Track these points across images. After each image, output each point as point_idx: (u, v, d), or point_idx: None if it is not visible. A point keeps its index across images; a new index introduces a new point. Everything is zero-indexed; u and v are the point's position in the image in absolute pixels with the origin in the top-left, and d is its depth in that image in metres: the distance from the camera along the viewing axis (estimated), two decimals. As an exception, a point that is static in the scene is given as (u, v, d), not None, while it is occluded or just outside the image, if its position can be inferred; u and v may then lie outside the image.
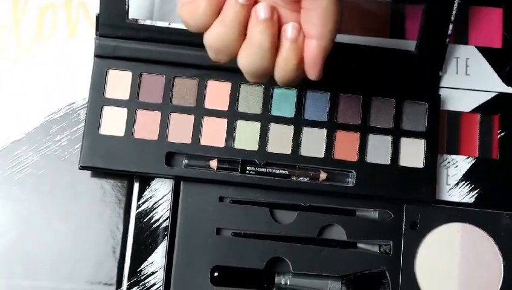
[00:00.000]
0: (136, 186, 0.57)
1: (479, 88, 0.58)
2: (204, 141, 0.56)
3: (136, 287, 0.55)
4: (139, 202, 0.56)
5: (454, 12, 0.54)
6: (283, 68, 0.44)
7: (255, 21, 0.43)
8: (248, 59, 0.44)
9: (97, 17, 0.55)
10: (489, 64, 0.59)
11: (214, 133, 0.56)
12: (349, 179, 0.55)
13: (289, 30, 0.43)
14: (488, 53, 0.59)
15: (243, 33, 0.44)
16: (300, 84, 0.49)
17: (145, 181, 0.56)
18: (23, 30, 0.59)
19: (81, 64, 0.58)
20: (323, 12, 0.42)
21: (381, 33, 0.59)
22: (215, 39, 0.44)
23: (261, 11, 0.43)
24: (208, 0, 0.43)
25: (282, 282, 0.54)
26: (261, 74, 0.45)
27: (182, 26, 0.56)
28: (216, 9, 0.44)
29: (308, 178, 0.55)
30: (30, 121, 0.57)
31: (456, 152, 0.57)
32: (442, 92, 0.58)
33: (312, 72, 0.44)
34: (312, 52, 0.44)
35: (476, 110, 0.58)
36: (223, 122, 0.56)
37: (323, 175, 0.55)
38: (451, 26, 0.54)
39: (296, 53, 0.44)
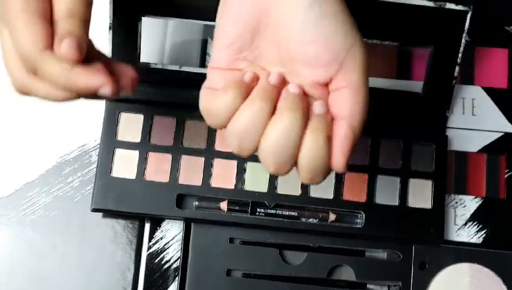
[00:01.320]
0: (147, 227, 0.57)
1: (485, 128, 0.59)
2: (215, 182, 0.56)
3: (147, 328, 0.56)
4: (150, 243, 0.57)
5: (460, 54, 0.55)
6: (310, 150, 0.41)
7: (285, 96, 0.42)
8: (276, 139, 0.41)
9: (109, 61, 0.56)
10: (496, 104, 0.59)
11: (224, 174, 0.57)
12: (358, 220, 0.56)
13: (317, 107, 0.42)
14: (494, 93, 0.60)
15: (270, 117, 0.42)
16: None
17: (156, 222, 0.57)
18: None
19: (92, 106, 0.59)
20: (354, 92, 0.42)
21: (388, 74, 0.60)
22: (243, 122, 0.42)
23: (292, 88, 0.42)
24: (237, 86, 0.42)
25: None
26: (286, 155, 0.41)
27: (192, 69, 0.57)
28: (244, 97, 0.42)
29: (317, 219, 0.56)
30: (43, 163, 0.58)
31: (464, 192, 0.58)
32: (449, 132, 0.58)
33: (338, 155, 0.42)
34: (341, 132, 0.42)
35: (483, 150, 0.58)
36: (233, 164, 0.57)
37: (332, 216, 0.56)
38: (457, 68, 0.55)
39: (324, 133, 0.41)
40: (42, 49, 0.42)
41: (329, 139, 0.42)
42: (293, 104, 0.41)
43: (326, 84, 0.43)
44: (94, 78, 0.42)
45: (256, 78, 0.43)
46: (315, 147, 0.41)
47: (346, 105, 0.42)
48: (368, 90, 0.42)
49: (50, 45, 0.42)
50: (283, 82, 0.43)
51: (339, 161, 0.42)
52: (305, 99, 0.42)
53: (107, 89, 0.42)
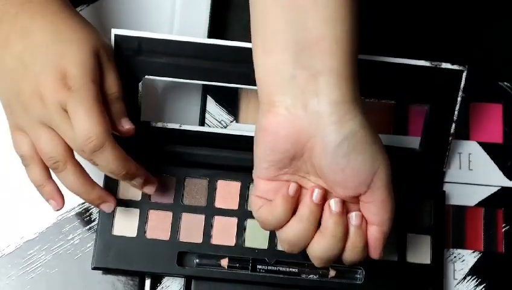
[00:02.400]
0: (148, 283, 0.57)
1: (482, 183, 0.60)
2: (215, 240, 0.57)
3: None
4: (151, 300, 0.57)
5: (456, 112, 0.56)
6: (351, 251, 0.48)
7: (329, 214, 0.48)
8: (323, 248, 0.48)
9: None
10: (491, 159, 0.60)
11: (224, 232, 0.57)
12: (358, 276, 0.56)
13: (354, 218, 0.48)
14: (489, 148, 0.61)
15: (317, 227, 0.48)
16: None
17: (157, 279, 0.57)
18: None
19: (92, 165, 0.59)
20: (381, 204, 0.47)
21: (384, 130, 0.61)
22: (293, 235, 0.48)
23: (334, 206, 0.47)
24: (284, 200, 0.48)
25: None
26: (332, 259, 0.49)
27: (192, 127, 0.58)
28: (292, 209, 0.48)
29: (317, 275, 0.56)
30: (43, 220, 0.58)
31: (462, 246, 0.58)
32: (446, 187, 0.59)
33: (374, 253, 0.49)
34: (374, 236, 0.48)
35: (480, 204, 0.59)
36: (233, 222, 0.57)
37: (332, 272, 0.56)
38: (454, 125, 0.56)
39: (362, 237, 0.48)
40: (107, 136, 0.49)
41: (365, 243, 0.48)
42: (335, 225, 0.48)
43: (357, 197, 0.48)
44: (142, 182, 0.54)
45: (300, 189, 0.48)
46: (354, 255, 0.48)
47: (376, 215, 0.48)
48: (393, 200, 0.47)
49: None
50: (325, 196, 0.48)
51: (375, 257, 0.49)
52: (344, 210, 0.48)
53: (150, 189, 0.55)
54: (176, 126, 0.57)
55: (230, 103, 0.61)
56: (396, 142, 0.59)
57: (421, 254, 0.57)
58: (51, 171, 0.53)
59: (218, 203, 0.58)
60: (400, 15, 0.63)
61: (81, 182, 0.52)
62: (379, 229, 0.48)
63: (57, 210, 0.54)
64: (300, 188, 0.48)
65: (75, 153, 0.52)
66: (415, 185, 0.58)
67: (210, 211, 0.57)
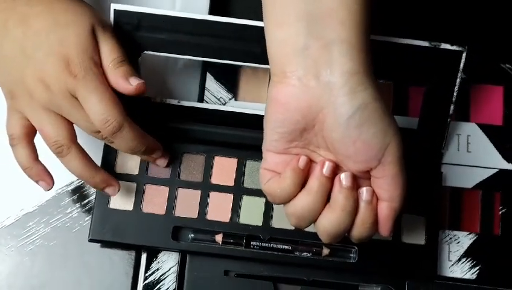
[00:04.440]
0: (144, 257, 0.58)
1: (480, 165, 0.59)
2: (210, 215, 0.57)
3: None
4: (146, 274, 0.57)
5: (455, 93, 0.55)
6: (360, 227, 0.48)
7: (339, 188, 0.47)
8: (332, 223, 0.47)
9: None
10: (491, 141, 0.60)
11: (219, 208, 0.57)
12: (352, 255, 0.56)
13: (364, 194, 0.48)
14: (489, 130, 0.60)
15: (326, 201, 0.48)
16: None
17: (153, 253, 0.58)
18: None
19: (90, 139, 0.60)
20: (392, 180, 0.46)
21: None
22: (301, 209, 0.48)
23: (344, 180, 0.47)
24: (294, 173, 0.47)
25: None
26: (340, 235, 0.48)
27: (190, 104, 0.58)
28: (301, 182, 0.48)
29: (311, 253, 0.56)
30: (42, 194, 0.59)
31: (458, 228, 0.58)
32: (444, 168, 0.59)
33: (383, 230, 0.48)
34: (384, 212, 0.48)
35: (477, 186, 0.59)
36: (229, 198, 0.57)
37: (326, 251, 0.56)
38: (452, 107, 0.56)
39: (372, 213, 0.48)
40: (125, 116, 0.51)
41: (375, 220, 0.48)
42: (345, 199, 0.47)
43: (368, 172, 0.47)
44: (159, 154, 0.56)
45: (309, 162, 0.48)
46: (363, 231, 0.48)
47: (386, 191, 0.47)
48: (405, 176, 0.47)
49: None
50: (335, 170, 0.48)
51: (384, 233, 0.49)
52: (354, 185, 0.47)
53: (163, 162, 0.57)
54: (174, 102, 0.57)
55: (230, 80, 0.61)
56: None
57: (415, 234, 0.57)
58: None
59: (215, 179, 0.58)
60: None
61: (85, 166, 0.53)
62: (390, 206, 0.47)
63: (48, 190, 0.54)
64: (310, 161, 0.48)
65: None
66: (412, 166, 0.57)
67: (206, 187, 0.58)
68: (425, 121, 0.57)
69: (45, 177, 0.54)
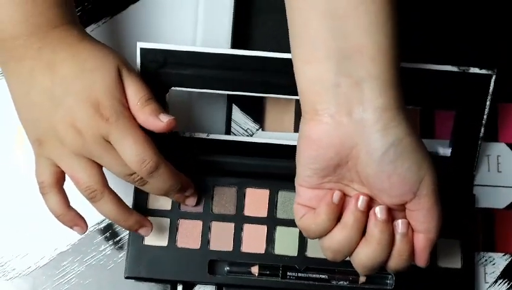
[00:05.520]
0: (179, 291, 0.58)
1: (511, 185, 0.59)
2: (245, 247, 0.57)
3: None
4: (183, 308, 0.58)
5: (485, 116, 0.55)
6: (397, 258, 0.48)
7: (374, 221, 0.47)
8: (368, 256, 0.48)
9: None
10: (520, 160, 0.60)
11: (254, 239, 0.57)
12: (389, 281, 0.56)
13: (400, 226, 0.48)
14: (518, 149, 0.60)
15: (362, 234, 0.48)
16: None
17: (188, 287, 0.58)
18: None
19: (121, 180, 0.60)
20: (428, 212, 0.47)
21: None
22: (337, 243, 0.48)
23: (379, 213, 0.47)
24: (328, 208, 0.47)
25: None
26: (377, 267, 0.48)
27: (220, 137, 0.58)
28: (336, 217, 0.48)
29: (347, 282, 0.56)
30: (75, 232, 0.59)
31: (493, 249, 0.58)
32: (475, 190, 0.59)
33: (420, 261, 0.49)
34: (420, 244, 0.48)
35: (510, 206, 0.59)
36: (263, 229, 0.57)
37: (362, 278, 0.56)
38: (483, 129, 0.56)
39: (408, 245, 0.48)
40: (161, 156, 0.51)
41: (412, 251, 0.48)
42: (380, 232, 0.47)
43: (403, 204, 0.47)
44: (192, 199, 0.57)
45: (343, 197, 0.48)
46: (400, 262, 0.48)
47: (422, 223, 0.48)
48: (440, 207, 0.47)
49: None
50: (370, 203, 0.48)
51: (421, 264, 0.49)
52: (389, 218, 0.48)
53: (192, 201, 0.57)
54: (203, 136, 0.58)
55: (255, 110, 0.62)
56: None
57: (451, 258, 0.57)
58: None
59: (247, 211, 0.58)
60: (426, 19, 0.63)
61: (119, 210, 0.53)
62: (426, 237, 0.48)
63: (82, 233, 0.54)
64: (344, 195, 0.48)
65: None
66: (444, 190, 0.57)
67: (239, 219, 0.58)
68: (456, 145, 0.57)
69: (79, 222, 0.54)
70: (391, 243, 0.47)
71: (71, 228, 0.54)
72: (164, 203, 0.58)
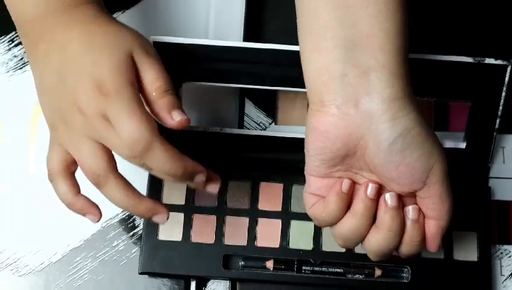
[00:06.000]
0: (193, 286, 0.57)
1: (527, 176, 0.59)
2: (260, 242, 0.57)
3: None
4: (197, 304, 0.57)
5: (501, 107, 0.55)
6: (408, 245, 0.48)
7: (384, 208, 0.47)
8: (379, 243, 0.47)
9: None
10: (536, 152, 0.60)
11: (268, 234, 0.57)
12: (405, 275, 0.56)
13: (410, 212, 0.48)
14: (533, 141, 0.60)
15: (372, 221, 0.48)
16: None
17: (202, 282, 0.57)
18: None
19: (135, 170, 0.59)
20: (438, 199, 0.46)
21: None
22: (348, 231, 0.48)
23: (390, 200, 0.47)
24: (338, 197, 0.47)
25: None
26: (388, 253, 0.48)
27: (233, 130, 0.58)
28: (346, 205, 0.47)
29: (363, 275, 0.56)
30: (88, 228, 0.59)
31: (508, 242, 0.58)
32: (490, 182, 0.59)
33: (432, 247, 0.48)
34: (431, 230, 0.48)
35: (525, 198, 0.59)
36: (278, 223, 0.57)
37: (378, 271, 0.56)
38: (498, 121, 0.56)
39: (419, 231, 0.48)
40: (155, 135, 0.47)
41: (423, 237, 0.48)
42: (391, 219, 0.47)
43: (413, 192, 0.47)
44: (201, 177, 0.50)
45: (353, 185, 0.48)
46: (411, 248, 0.48)
47: (433, 210, 0.47)
48: (451, 194, 0.47)
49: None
50: (379, 191, 0.47)
51: (432, 250, 0.49)
52: (400, 204, 0.47)
53: (213, 187, 0.52)
54: (217, 130, 0.57)
55: (268, 105, 0.61)
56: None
57: (468, 251, 0.56)
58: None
59: (262, 206, 0.58)
60: (442, 10, 0.62)
61: (127, 196, 0.49)
62: (437, 224, 0.47)
63: (97, 222, 0.51)
64: (353, 184, 0.48)
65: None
66: (460, 182, 0.57)
67: (254, 214, 0.57)
68: (471, 137, 0.56)
69: (91, 210, 0.50)
70: (402, 229, 0.47)
71: (84, 216, 0.51)
72: (178, 197, 0.58)
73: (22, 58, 0.62)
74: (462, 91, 0.55)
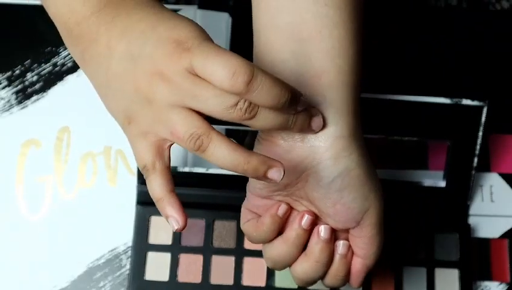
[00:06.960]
0: (179, 327, 0.58)
1: (505, 214, 0.61)
2: (246, 281, 0.57)
3: None
4: None
5: (478, 146, 0.57)
6: (333, 277, 0.49)
7: (316, 239, 0.48)
8: (305, 271, 0.48)
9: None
10: (513, 190, 0.61)
11: (255, 273, 0.58)
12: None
13: (340, 247, 0.49)
14: (510, 179, 0.61)
15: (302, 249, 0.49)
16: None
17: (189, 322, 0.58)
18: (66, 179, 0.61)
19: (120, 210, 0.60)
20: (369, 240, 0.48)
21: (403, 165, 0.62)
22: (277, 255, 0.48)
23: (323, 232, 0.48)
24: (272, 220, 0.48)
25: None
26: (313, 282, 0.49)
27: (218, 171, 0.59)
28: (278, 228, 0.48)
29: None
30: (74, 269, 0.59)
31: (489, 278, 0.59)
32: (469, 220, 0.60)
33: (354, 283, 0.50)
34: (357, 267, 0.49)
35: (504, 235, 0.60)
36: (263, 262, 0.56)
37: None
38: (476, 160, 0.57)
39: (345, 267, 0.49)
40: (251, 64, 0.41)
41: (348, 272, 0.49)
42: (320, 251, 0.48)
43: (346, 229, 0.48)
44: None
45: (289, 210, 0.48)
46: (335, 281, 0.49)
47: (362, 249, 0.48)
48: (382, 237, 0.48)
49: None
50: (314, 222, 0.48)
51: (354, 286, 0.50)
52: (332, 238, 0.48)
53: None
54: (202, 170, 0.58)
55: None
56: (418, 178, 0.60)
57: (449, 288, 0.57)
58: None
59: (248, 245, 0.58)
60: (420, 52, 0.65)
61: (235, 150, 0.42)
62: (363, 262, 0.49)
63: (177, 230, 0.45)
64: (290, 209, 0.48)
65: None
66: (440, 220, 0.59)
67: (240, 253, 0.58)
68: (450, 176, 0.58)
69: (176, 213, 0.44)
70: (330, 262, 0.48)
71: (166, 218, 0.45)
72: (165, 237, 0.58)
73: (8, 101, 0.63)
74: (441, 131, 0.56)
